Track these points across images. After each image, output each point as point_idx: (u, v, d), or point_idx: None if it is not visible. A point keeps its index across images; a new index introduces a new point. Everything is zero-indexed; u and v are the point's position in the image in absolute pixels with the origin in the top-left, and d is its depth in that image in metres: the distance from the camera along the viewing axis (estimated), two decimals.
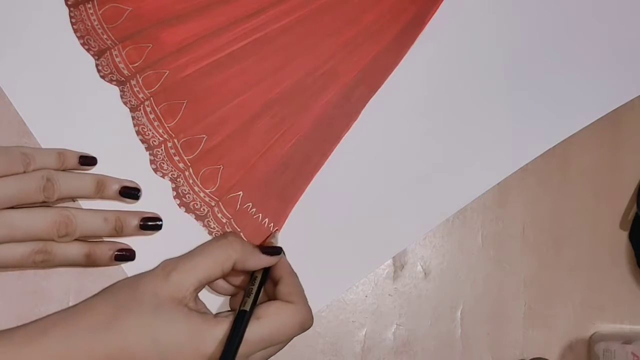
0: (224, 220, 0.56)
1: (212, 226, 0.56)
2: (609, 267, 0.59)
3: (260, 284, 0.51)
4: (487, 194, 0.58)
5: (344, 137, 0.58)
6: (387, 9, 0.58)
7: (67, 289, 0.55)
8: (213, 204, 0.56)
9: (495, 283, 0.58)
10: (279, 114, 0.57)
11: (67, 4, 0.56)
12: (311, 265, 0.57)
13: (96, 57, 0.55)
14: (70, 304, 0.55)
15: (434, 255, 0.58)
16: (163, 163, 0.56)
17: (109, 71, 0.55)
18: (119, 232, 0.53)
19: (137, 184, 0.54)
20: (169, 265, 0.50)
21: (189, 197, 0.56)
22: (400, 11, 0.58)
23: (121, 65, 0.55)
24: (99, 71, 0.55)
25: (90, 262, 0.52)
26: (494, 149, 0.59)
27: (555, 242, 0.59)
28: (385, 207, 0.58)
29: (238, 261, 0.50)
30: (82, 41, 0.55)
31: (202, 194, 0.56)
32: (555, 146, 0.59)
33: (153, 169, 0.56)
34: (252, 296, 0.49)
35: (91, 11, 0.56)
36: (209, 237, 0.56)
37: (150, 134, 0.56)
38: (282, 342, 0.50)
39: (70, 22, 0.56)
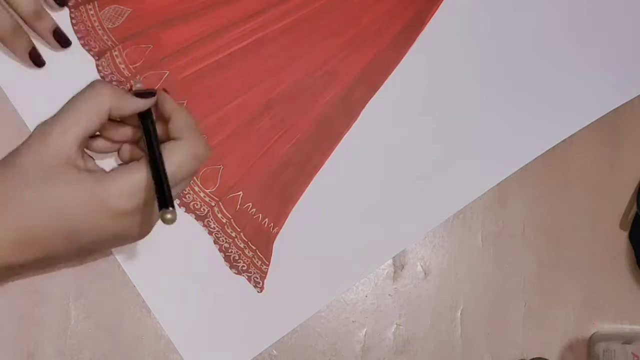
0: (224, 220, 0.56)
1: (212, 226, 0.56)
2: (609, 267, 0.59)
3: (148, 125, 0.48)
4: (487, 194, 0.59)
5: (344, 137, 0.58)
6: (386, 9, 0.58)
7: (67, 289, 0.55)
8: (213, 204, 0.56)
9: (495, 283, 0.58)
10: (279, 114, 0.57)
11: (67, 5, 0.56)
12: (311, 265, 0.57)
13: (96, 58, 0.56)
14: (70, 304, 0.55)
15: (434, 255, 0.58)
16: None
17: (109, 71, 0.56)
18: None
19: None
20: (42, 130, 0.46)
21: (189, 197, 0.56)
22: (400, 11, 0.58)
23: (122, 66, 0.56)
24: (99, 71, 0.55)
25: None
26: (494, 149, 0.59)
27: (555, 242, 0.59)
28: (385, 207, 0.58)
29: (113, 108, 0.47)
30: (82, 42, 0.55)
31: (202, 194, 0.56)
32: (555, 146, 0.59)
33: None
34: (152, 136, 0.47)
35: (92, 12, 0.56)
36: (209, 237, 0.56)
37: None
38: (182, 181, 0.49)
39: (71, 22, 0.56)
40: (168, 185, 0.45)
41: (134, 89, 0.54)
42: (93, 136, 0.50)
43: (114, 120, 0.50)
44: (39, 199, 0.45)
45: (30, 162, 0.45)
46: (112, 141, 0.51)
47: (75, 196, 0.45)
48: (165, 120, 0.50)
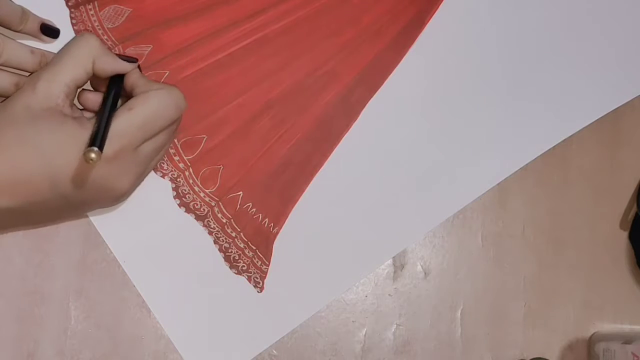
0: (224, 220, 0.56)
1: (212, 226, 0.56)
2: (609, 267, 0.59)
3: (117, 86, 0.50)
4: (487, 194, 0.58)
5: (344, 137, 0.58)
6: (386, 9, 0.58)
7: (67, 289, 0.55)
8: (213, 204, 0.56)
9: (495, 283, 0.58)
10: (279, 114, 0.57)
11: (67, 5, 0.56)
12: (311, 265, 0.57)
13: None
14: (70, 304, 0.55)
15: (434, 255, 0.58)
16: (163, 163, 0.56)
17: None
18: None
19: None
20: (33, 79, 0.48)
21: (189, 197, 0.56)
22: (399, 11, 0.58)
23: None
24: None
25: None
26: (494, 149, 0.59)
27: (555, 242, 0.59)
28: (385, 207, 0.58)
29: (96, 59, 0.49)
30: None
31: (202, 194, 0.56)
32: (555, 146, 0.59)
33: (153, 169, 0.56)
34: (113, 91, 0.49)
35: (92, 12, 0.56)
36: (209, 237, 0.56)
37: None
38: (164, 127, 0.49)
39: (71, 22, 0.56)
40: (107, 129, 0.45)
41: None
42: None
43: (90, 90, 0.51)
44: (23, 142, 0.46)
45: (19, 107, 0.47)
46: (89, 110, 0.51)
47: (58, 141, 0.46)
48: (129, 93, 0.50)
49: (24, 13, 0.52)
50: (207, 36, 0.56)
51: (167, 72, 0.56)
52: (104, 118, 0.46)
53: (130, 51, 0.56)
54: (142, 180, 0.52)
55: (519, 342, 0.58)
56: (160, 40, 0.56)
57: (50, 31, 0.54)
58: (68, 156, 0.46)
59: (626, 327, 0.58)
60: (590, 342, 0.58)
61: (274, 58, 0.57)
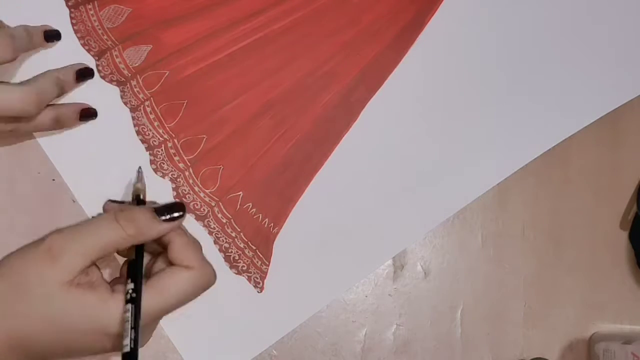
0: (224, 220, 0.56)
1: (212, 226, 0.56)
2: (609, 267, 0.59)
3: (141, 259, 0.47)
4: (487, 194, 0.58)
5: (344, 137, 0.58)
6: (386, 9, 0.58)
7: None
8: (213, 204, 0.56)
9: (495, 283, 0.58)
10: (279, 114, 0.57)
11: (67, 5, 0.56)
12: (311, 265, 0.57)
13: (96, 58, 0.56)
14: None
15: (434, 255, 0.58)
16: (163, 163, 0.56)
17: (109, 71, 0.56)
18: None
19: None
20: (55, 245, 0.45)
21: (189, 197, 0.56)
22: (399, 11, 0.58)
23: (121, 66, 0.56)
24: (99, 71, 0.55)
25: (59, 125, 0.51)
26: (494, 149, 0.59)
27: (555, 242, 0.59)
28: (385, 207, 0.58)
29: (138, 241, 0.47)
30: (82, 42, 0.55)
31: (202, 194, 0.56)
32: (555, 146, 0.59)
33: (153, 169, 0.56)
34: (139, 276, 0.46)
35: (91, 12, 0.56)
36: (209, 237, 0.56)
37: (151, 134, 0.56)
38: (187, 303, 0.48)
39: (71, 22, 0.56)
40: (137, 331, 0.44)
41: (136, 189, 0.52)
42: None
43: None
44: (35, 313, 0.44)
45: (34, 277, 0.44)
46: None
47: (75, 318, 0.44)
48: (163, 245, 0.49)
49: (28, 33, 0.52)
50: (207, 36, 0.56)
51: (167, 72, 0.56)
52: (134, 322, 0.44)
53: (130, 51, 0.56)
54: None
55: (519, 342, 0.58)
56: (160, 40, 0.56)
57: (53, 36, 0.54)
58: (84, 332, 0.45)
59: (626, 327, 0.58)
60: (590, 342, 0.58)
61: (274, 58, 0.57)
